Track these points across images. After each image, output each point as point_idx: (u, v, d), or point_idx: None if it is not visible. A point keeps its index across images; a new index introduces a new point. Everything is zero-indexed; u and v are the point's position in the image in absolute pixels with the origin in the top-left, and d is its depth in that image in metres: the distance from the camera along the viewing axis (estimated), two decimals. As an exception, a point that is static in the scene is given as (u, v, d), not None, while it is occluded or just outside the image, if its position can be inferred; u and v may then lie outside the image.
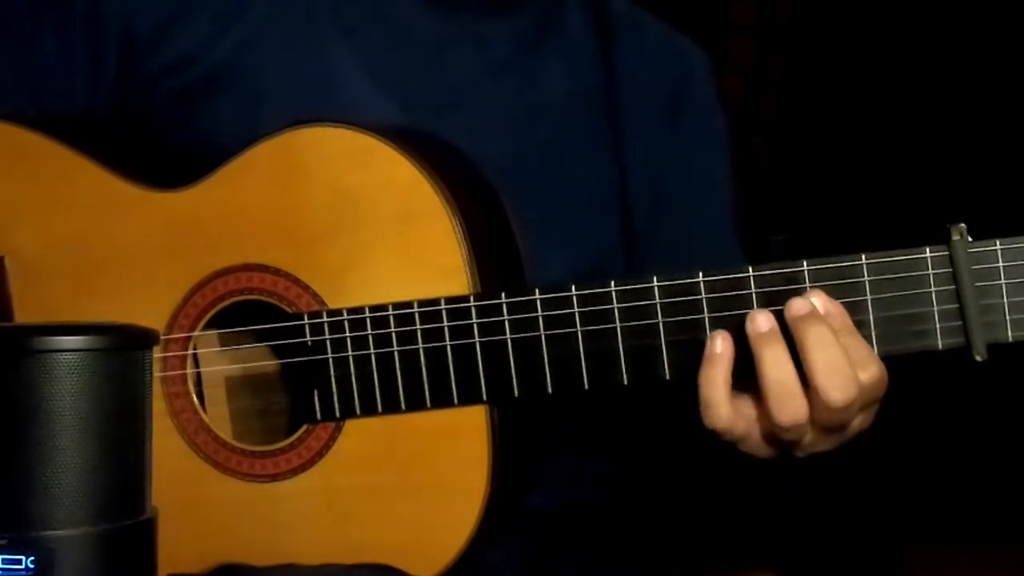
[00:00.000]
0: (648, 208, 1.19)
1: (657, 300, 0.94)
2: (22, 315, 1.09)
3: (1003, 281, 0.88)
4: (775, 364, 0.89)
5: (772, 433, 0.92)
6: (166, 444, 1.03)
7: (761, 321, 0.89)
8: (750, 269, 0.91)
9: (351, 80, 1.14)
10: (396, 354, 1.00)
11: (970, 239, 0.88)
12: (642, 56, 1.22)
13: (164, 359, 1.06)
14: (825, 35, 2.92)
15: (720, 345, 0.91)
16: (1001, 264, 0.88)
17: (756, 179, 2.70)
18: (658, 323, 0.94)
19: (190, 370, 1.07)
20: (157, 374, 1.05)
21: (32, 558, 0.72)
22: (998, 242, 0.88)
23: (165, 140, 1.14)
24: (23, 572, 0.72)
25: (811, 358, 0.88)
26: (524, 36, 1.19)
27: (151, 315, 1.06)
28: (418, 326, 0.99)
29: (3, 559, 0.72)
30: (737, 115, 2.83)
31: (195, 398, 1.07)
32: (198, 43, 1.14)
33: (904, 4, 2.79)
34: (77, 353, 0.73)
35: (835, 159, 2.78)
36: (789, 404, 0.89)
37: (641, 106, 1.20)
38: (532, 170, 1.10)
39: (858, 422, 0.93)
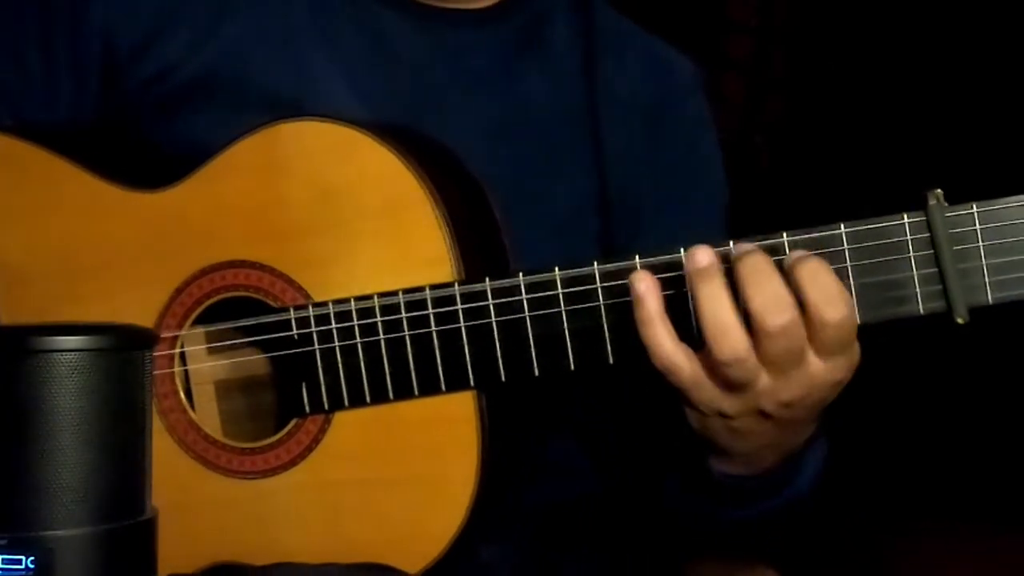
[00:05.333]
0: (628, 221, 1.22)
1: None
2: (8, 321, 1.13)
3: (980, 243, 0.91)
4: (710, 298, 0.91)
5: (724, 378, 0.93)
6: (156, 444, 1.05)
7: (700, 256, 0.92)
8: (731, 243, 0.96)
9: (330, 88, 1.17)
10: (383, 343, 1.03)
11: (946, 204, 0.92)
12: (625, 72, 1.25)
13: (152, 359, 1.11)
14: (826, 33, 2.97)
15: (644, 282, 0.93)
16: (978, 227, 0.91)
17: (757, 178, 2.75)
18: None
19: (178, 368, 1.11)
20: (145, 374, 1.10)
21: (32, 558, 0.74)
22: (974, 205, 0.91)
23: (148, 149, 1.18)
24: (23, 572, 0.74)
25: (746, 291, 0.91)
26: (504, 48, 1.22)
27: (138, 316, 1.09)
28: (403, 315, 1.03)
29: (3, 559, 0.74)
30: (738, 114, 2.88)
31: (183, 397, 1.10)
32: (180, 53, 1.18)
33: (905, 1, 2.85)
34: (77, 353, 0.76)
35: (837, 158, 2.82)
36: (727, 338, 0.91)
37: (621, 121, 1.23)
38: (509, 180, 1.13)
39: (824, 368, 0.93)
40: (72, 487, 0.75)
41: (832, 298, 0.91)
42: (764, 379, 0.94)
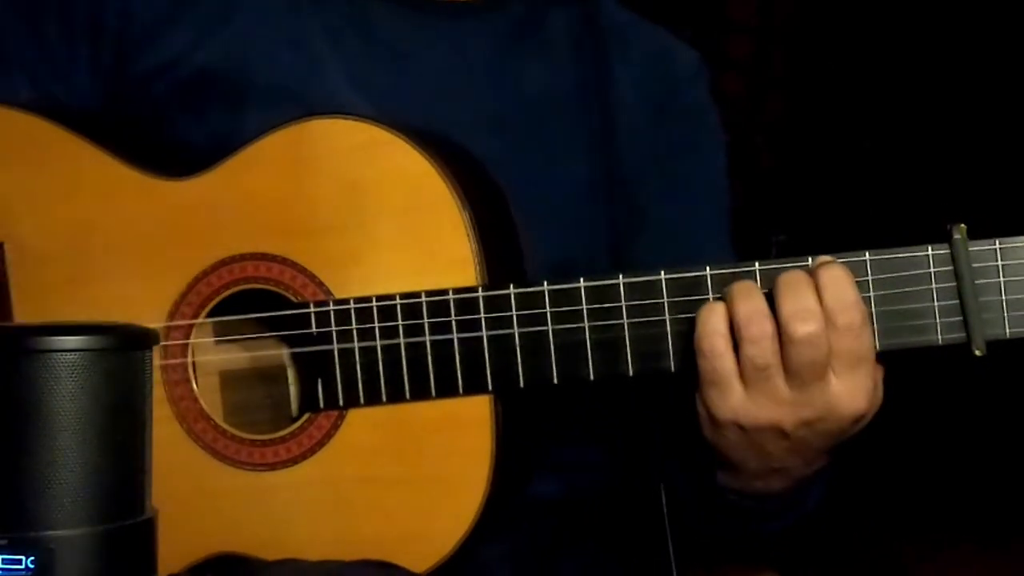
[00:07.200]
0: (631, 208, 1.24)
1: (665, 296, 1.01)
2: (20, 302, 1.13)
3: (1002, 279, 0.95)
4: (746, 290, 0.98)
5: (747, 361, 0.98)
6: (165, 432, 1.07)
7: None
8: (756, 264, 0.99)
9: (332, 83, 1.19)
10: (402, 345, 1.05)
11: (970, 239, 0.96)
12: (628, 64, 1.27)
13: (165, 347, 1.10)
14: (826, 32, 3.00)
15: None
16: (1000, 263, 0.95)
17: (757, 178, 2.77)
18: (665, 318, 1.01)
19: (191, 359, 1.12)
20: (158, 362, 1.10)
21: (32, 558, 0.75)
22: (997, 241, 0.95)
23: (152, 138, 1.19)
24: (23, 572, 0.74)
25: (779, 299, 0.96)
26: (501, 38, 1.24)
27: (152, 303, 1.11)
28: (425, 318, 1.05)
29: (3, 559, 0.74)
30: (738, 114, 2.91)
31: (195, 386, 1.11)
32: (187, 43, 1.19)
33: (905, 1, 2.88)
34: (77, 353, 0.76)
35: (836, 158, 2.85)
36: (756, 315, 0.97)
37: (623, 110, 1.25)
38: (506, 170, 1.15)
39: (843, 390, 0.97)
40: (72, 487, 0.76)
41: (847, 305, 0.95)
42: (784, 388, 0.97)
